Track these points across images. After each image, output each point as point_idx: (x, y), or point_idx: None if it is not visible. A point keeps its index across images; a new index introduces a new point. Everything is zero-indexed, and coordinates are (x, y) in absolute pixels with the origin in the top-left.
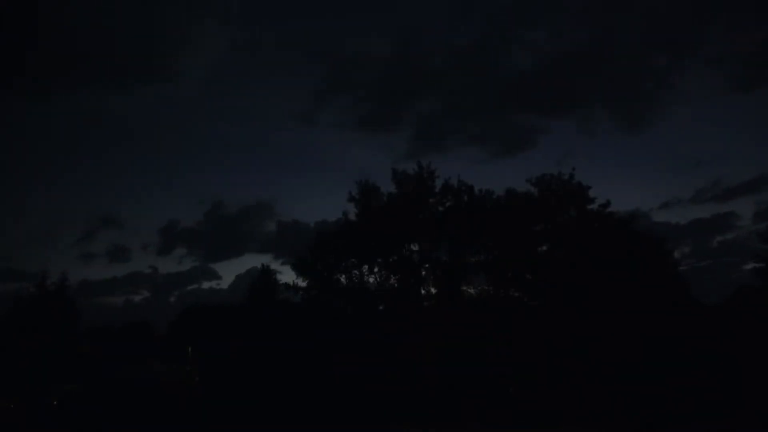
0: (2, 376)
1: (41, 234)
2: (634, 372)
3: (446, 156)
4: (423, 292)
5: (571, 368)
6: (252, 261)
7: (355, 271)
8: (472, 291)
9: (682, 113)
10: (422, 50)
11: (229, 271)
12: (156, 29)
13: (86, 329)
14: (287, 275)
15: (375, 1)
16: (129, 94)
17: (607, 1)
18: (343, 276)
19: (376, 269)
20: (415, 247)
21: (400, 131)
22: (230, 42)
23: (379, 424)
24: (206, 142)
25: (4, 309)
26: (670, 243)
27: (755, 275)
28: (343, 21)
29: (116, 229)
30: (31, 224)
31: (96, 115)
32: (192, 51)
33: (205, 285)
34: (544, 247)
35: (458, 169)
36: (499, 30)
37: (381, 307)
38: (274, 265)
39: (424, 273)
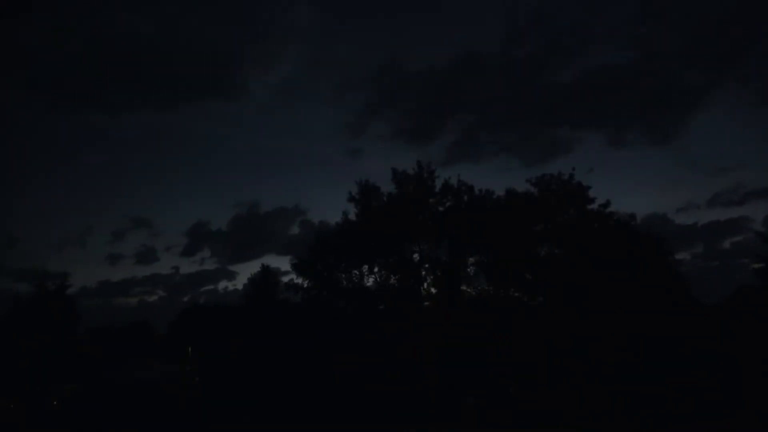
0: (2, 376)
1: (74, 236)
2: (634, 372)
3: (479, 164)
4: (423, 292)
5: (571, 368)
6: (271, 263)
7: (355, 271)
8: (472, 291)
9: (708, 123)
10: (467, 63)
11: (247, 273)
12: (220, 48)
13: (86, 329)
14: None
15: (422, 16)
16: (193, 109)
17: (648, 20)
18: (343, 276)
19: (376, 269)
20: (415, 247)
21: (439, 140)
22: (285, 59)
23: (380, 424)
24: (254, 151)
25: (5, 309)
26: (685, 244)
27: (756, 275)
28: (393, 35)
29: (147, 231)
30: (67, 226)
31: (155, 128)
32: (252, 68)
33: (221, 286)
34: (544, 247)
35: (490, 177)
36: (546, 46)
37: (381, 307)
38: (288, 267)
39: (424, 273)
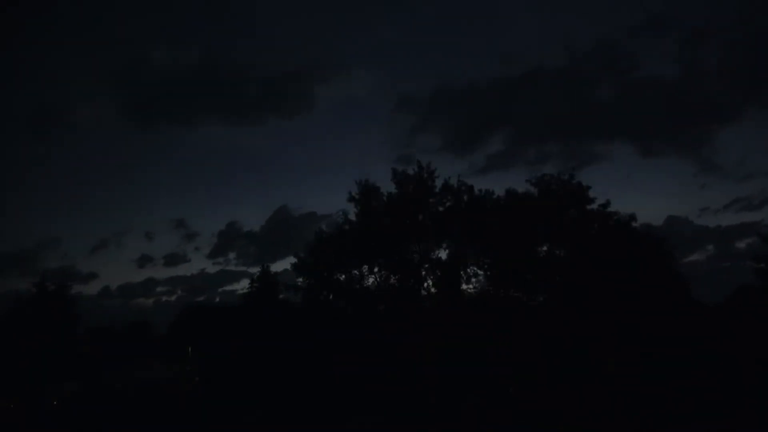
0: (2, 376)
1: (111, 238)
2: (634, 372)
3: (509, 172)
4: (423, 292)
5: (571, 368)
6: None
7: (355, 271)
8: (472, 291)
9: (735, 134)
10: (508, 80)
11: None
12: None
13: (87, 329)
14: None
15: (466, 37)
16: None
17: (693, 40)
18: (343, 276)
19: (376, 269)
20: (415, 247)
21: (480, 151)
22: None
23: (380, 423)
24: (307, 163)
25: (5, 309)
26: (701, 245)
27: (756, 275)
28: (443, 55)
29: (186, 234)
30: (108, 229)
31: (217, 141)
32: (317, 86)
33: (241, 286)
34: (544, 247)
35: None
36: (590, 59)
37: (381, 307)
38: None
39: (424, 273)
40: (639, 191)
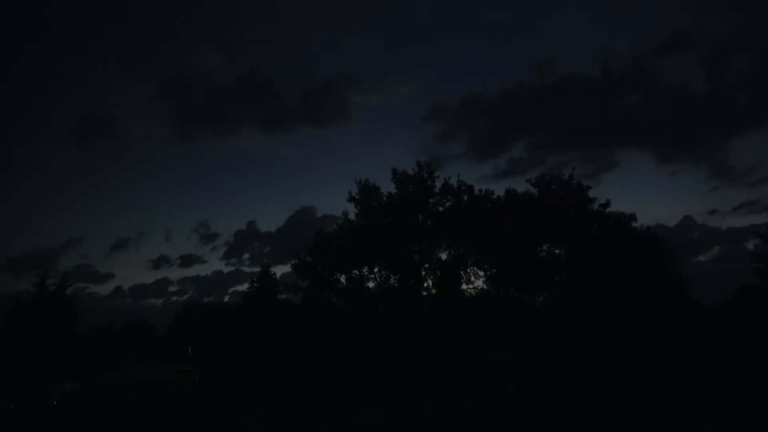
0: (2, 376)
1: (133, 239)
2: (634, 372)
3: (531, 176)
4: (423, 292)
5: (571, 368)
6: None
7: (355, 271)
8: (472, 291)
9: (750, 142)
10: (531, 90)
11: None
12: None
13: (87, 329)
14: None
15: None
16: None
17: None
18: (343, 276)
19: (376, 269)
20: (415, 247)
21: (503, 157)
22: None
23: (380, 423)
24: (335, 168)
25: (5, 309)
26: (710, 245)
27: (756, 275)
28: (470, 68)
29: (204, 235)
30: (131, 230)
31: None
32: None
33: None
34: (544, 247)
35: None
36: (615, 71)
37: (381, 307)
38: None
39: (424, 273)
40: (652, 195)
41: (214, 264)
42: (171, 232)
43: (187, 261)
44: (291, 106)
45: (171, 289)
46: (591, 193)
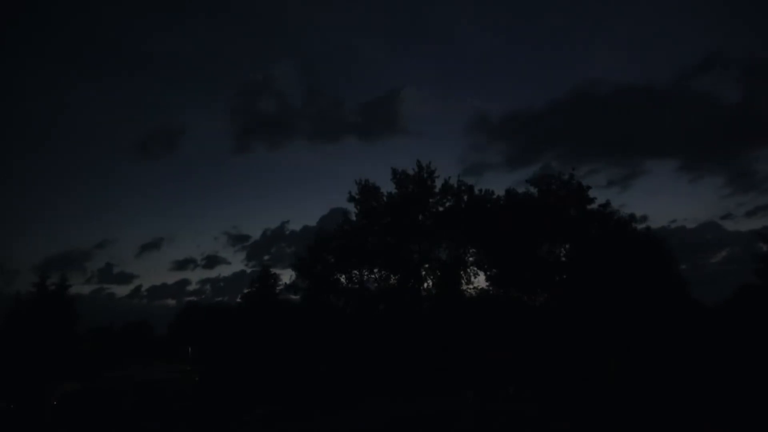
0: (2, 376)
1: (165, 240)
2: (634, 371)
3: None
4: (423, 292)
5: (571, 368)
6: None
7: (355, 271)
8: (472, 291)
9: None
10: (561, 103)
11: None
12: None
13: (87, 329)
14: None
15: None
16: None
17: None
18: (343, 276)
19: (376, 269)
20: (415, 247)
21: (534, 166)
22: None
23: (379, 424)
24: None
25: (5, 309)
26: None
27: (756, 275)
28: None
29: (235, 237)
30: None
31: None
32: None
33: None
34: (544, 247)
35: None
36: (647, 86)
37: (381, 307)
38: None
39: (424, 273)
40: (675, 200)
41: (237, 266)
42: (202, 236)
43: (211, 262)
44: (342, 120)
45: (190, 288)
46: (620, 198)
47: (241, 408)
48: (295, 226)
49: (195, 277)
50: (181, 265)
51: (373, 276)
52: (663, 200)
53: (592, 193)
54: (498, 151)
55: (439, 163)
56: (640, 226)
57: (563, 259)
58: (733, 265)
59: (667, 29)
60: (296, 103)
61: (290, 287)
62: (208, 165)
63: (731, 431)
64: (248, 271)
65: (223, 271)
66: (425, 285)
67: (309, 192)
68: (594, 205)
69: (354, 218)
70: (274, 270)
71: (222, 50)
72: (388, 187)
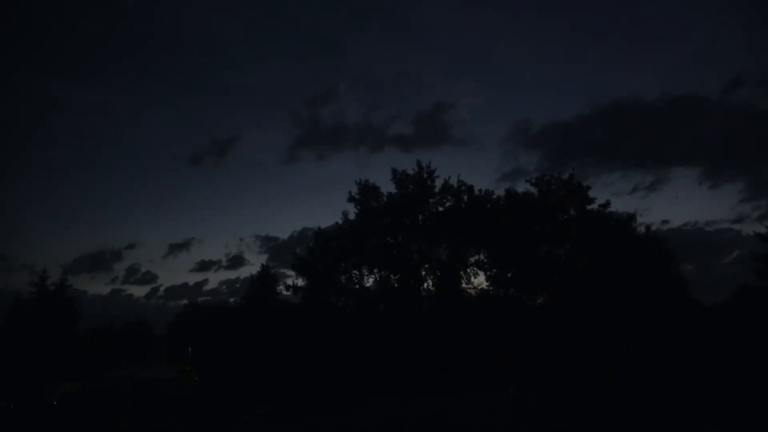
0: (2, 376)
1: (193, 241)
2: (634, 371)
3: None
4: (423, 292)
5: (571, 368)
6: None
7: (355, 271)
8: (472, 291)
9: None
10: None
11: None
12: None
13: (87, 329)
14: None
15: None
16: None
17: None
18: (343, 276)
19: (376, 269)
20: (415, 247)
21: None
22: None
23: (379, 424)
24: None
25: (5, 309)
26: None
27: (756, 275)
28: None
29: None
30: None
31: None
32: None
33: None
34: (544, 247)
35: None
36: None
37: (381, 307)
38: None
39: (424, 273)
40: (696, 204)
41: (259, 267)
42: (231, 238)
43: (234, 263)
44: (384, 132)
45: (206, 289)
46: (644, 203)
47: (240, 408)
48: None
49: (217, 278)
50: (205, 266)
51: (373, 276)
52: (683, 205)
53: (617, 200)
54: (531, 159)
55: (476, 172)
56: (639, 226)
57: (563, 259)
58: (741, 266)
59: (701, 45)
60: (345, 115)
61: (290, 287)
62: (258, 173)
63: (731, 431)
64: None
65: (244, 272)
66: (425, 285)
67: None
68: (594, 205)
69: (354, 218)
70: (284, 270)
71: (282, 71)
72: (388, 187)
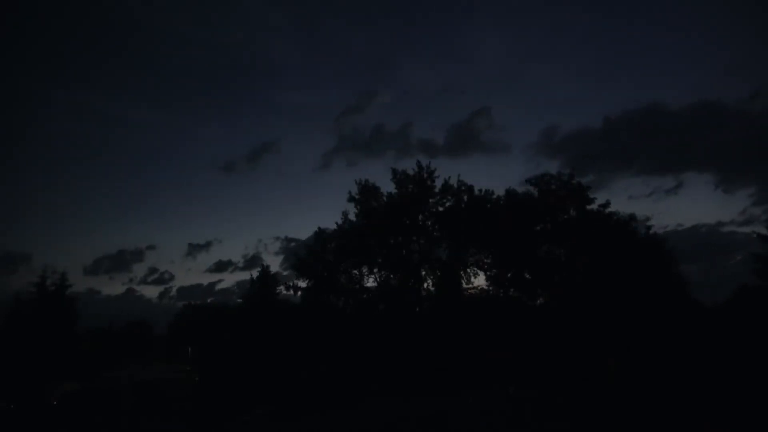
0: (2, 376)
1: (214, 243)
2: (634, 371)
3: (607, 193)
4: (423, 292)
5: (571, 368)
6: None
7: (355, 271)
8: (472, 291)
9: None
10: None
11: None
12: None
13: (87, 329)
14: None
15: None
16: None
17: None
18: (343, 276)
19: (376, 269)
20: (415, 247)
21: (583, 179)
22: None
23: (379, 424)
24: None
25: (5, 309)
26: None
27: (756, 275)
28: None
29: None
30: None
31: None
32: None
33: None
34: (544, 247)
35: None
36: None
37: (381, 307)
38: None
39: (424, 273)
40: (708, 207)
41: (274, 268)
42: (249, 239)
43: (250, 264)
44: (410, 141)
45: (218, 289)
46: (658, 206)
47: (240, 408)
48: None
49: (233, 278)
50: (222, 266)
51: (373, 276)
52: (698, 208)
53: (635, 203)
54: (556, 165)
55: (503, 177)
56: (640, 226)
57: (563, 259)
58: (746, 267)
59: (731, 55)
60: (378, 125)
61: (290, 287)
62: (288, 179)
63: (731, 431)
64: (284, 273)
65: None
66: (425, 285)
67: None
68: (594, 205)
69: (354, 218)
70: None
71: (328, 91)
72: (388, 187)
